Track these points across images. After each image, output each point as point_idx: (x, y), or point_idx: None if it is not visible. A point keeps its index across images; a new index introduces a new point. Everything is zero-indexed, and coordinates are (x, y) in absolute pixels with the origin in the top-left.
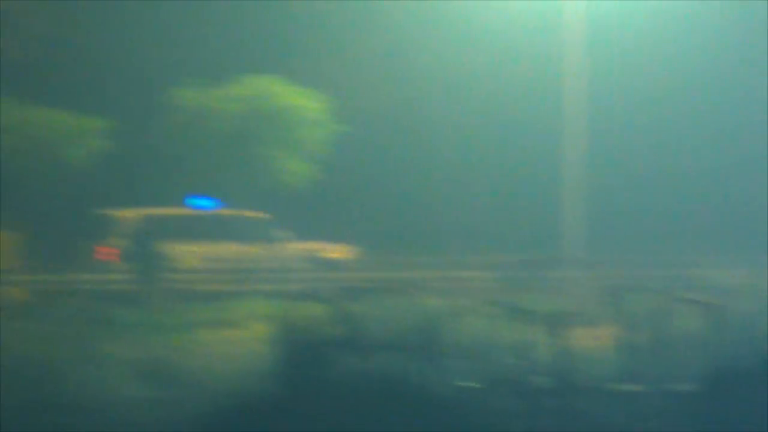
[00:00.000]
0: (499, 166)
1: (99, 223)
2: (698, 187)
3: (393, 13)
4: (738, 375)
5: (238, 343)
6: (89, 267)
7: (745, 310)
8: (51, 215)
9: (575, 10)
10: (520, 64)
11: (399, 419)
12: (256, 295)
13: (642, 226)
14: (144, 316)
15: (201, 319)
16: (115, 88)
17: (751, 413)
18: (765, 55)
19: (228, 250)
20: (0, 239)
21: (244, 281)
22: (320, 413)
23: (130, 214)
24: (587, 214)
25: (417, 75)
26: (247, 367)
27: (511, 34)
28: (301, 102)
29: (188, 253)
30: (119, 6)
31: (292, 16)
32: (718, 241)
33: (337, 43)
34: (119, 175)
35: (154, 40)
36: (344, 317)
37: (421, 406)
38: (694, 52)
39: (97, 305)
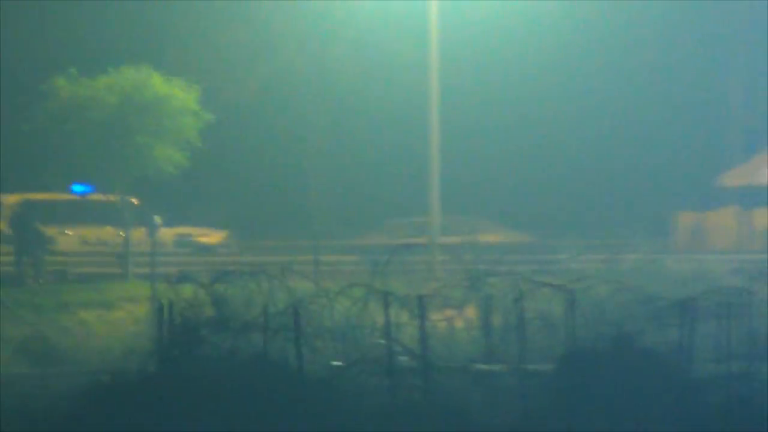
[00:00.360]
0: (362, 156)
1: None
2: (561, 181)
3: (263, 8)
4: (589, 355)
5: (115, 323)
6: None
7: (597, 294)
8: None
9: (436, 9)
10: (383, 60)
11: (268, 395)
12: (132, 277)
13: (506, 216)
14: (24, 296)
15: (79, 300)
16: None
17: (601, 391)
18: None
19: (105, 234)
20: None
21: (121, 264)
22: (193, 390)
23: (9, 199)
24: (448, 204)
25: (285, 68)
26: (124, 345)
27: (376, 31)
28: (174, 92)
29: (67, 236)
30: None
31: (166, 8)
32: (572, 230)
33: (208, 36)
34: None
35: (30, 31)
36: (216, 299)
37: (289, 383)
38: (538, 52)
39: None
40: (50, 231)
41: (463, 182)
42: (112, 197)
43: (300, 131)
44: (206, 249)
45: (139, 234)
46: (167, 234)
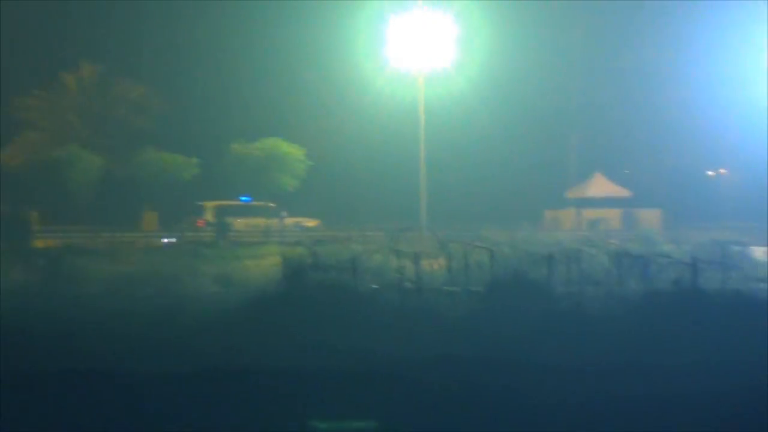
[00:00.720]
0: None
1: (198, 207)
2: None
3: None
4: (503, 283)
5: (264, 266)
6: (194, 229)
7: (504, 252)
8: (178, 203)
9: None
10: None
11: (342, 305)
12: (270, 244)
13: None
14: (218, 252)
15: (244, 254)
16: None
17: (505, 299)
18: None
19: (258, 222)
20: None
21: (266, 237)
22: (303, 301)
23: (210, 204)
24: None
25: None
26: (269, 277)
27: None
28: (291, 150)
29: (239, 223)
30: None
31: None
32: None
33: (313, 107)
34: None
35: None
36: (313, 254)
37: (351, 298)
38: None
39: (195, 247)
40: (230, 220)
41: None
42: (260, 203)
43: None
44: (309, 229)
45: (275, 222)
46: (289, 221)
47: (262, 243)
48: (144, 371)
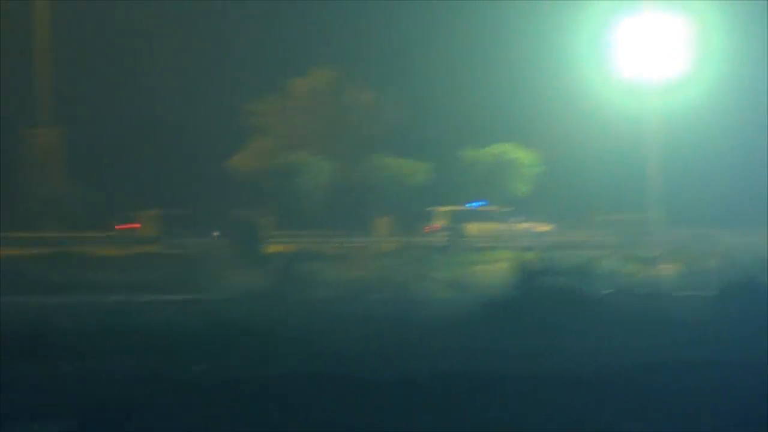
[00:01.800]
0: None
1: (429, 213)
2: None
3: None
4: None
5: (495, 271)
6: (422, 234)
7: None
8: (410, 209)
9: None
10: None
11: (571, 315)
12: (502, 249)
13: None
14: (450, 257)
15: (477, 260)
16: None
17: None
18: None
19: (489, 227)
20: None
21: (497, 242)
22: (537, 307)
23: (442, 209)
24: None
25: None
26: (499, 282)
27: None
28: (521, 155)
29: (471, 228)
30: None
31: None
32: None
33: (544, 115)
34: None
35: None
36: (543, 259)
37: (595, 308)
38: None
39: (427, 252)
40: (463, 224)
41: None
42: (492, 207)
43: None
44: (542, 234)
45: (506, 226)
46: (521, 226)
47: (494, 248)
48: (379, 374)
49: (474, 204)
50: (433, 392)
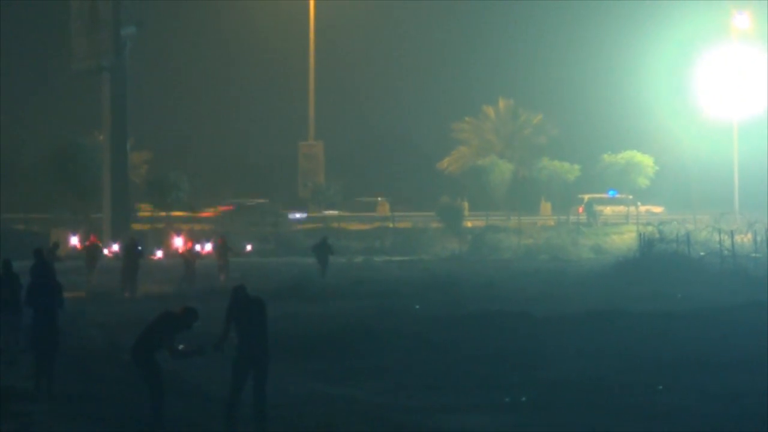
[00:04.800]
0: None
1: (578, 200)
2: None
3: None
4: None
5: (624, 239)
6: (574, 214)
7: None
8: (565, 196)
9: None
10: None
11: (677, 270)
12: (629, 224)
13: None
14: (592, 230)
15: (611, 231)
16: None
17: None
18: None
19: (620, 209)
20: (544, 206)
21: (625, 220)
22: (654, 266)
23: (588, 196)
24: None
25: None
26: (627, 247)
27: None
28: (643, 159)
29: (607, 210)
30: None
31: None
32: None
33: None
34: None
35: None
36: (659, 232)
37: (694, 265)
38: None
39: (577, 226)
40: (601, 208)
41: None
42: (622, 195)
43: None
44: (656, 214)
45: (632, 209)
46: (642, 208)
47: (623, 224)
48: (543, 312)
49: (610, 193)
50: (580, 324)
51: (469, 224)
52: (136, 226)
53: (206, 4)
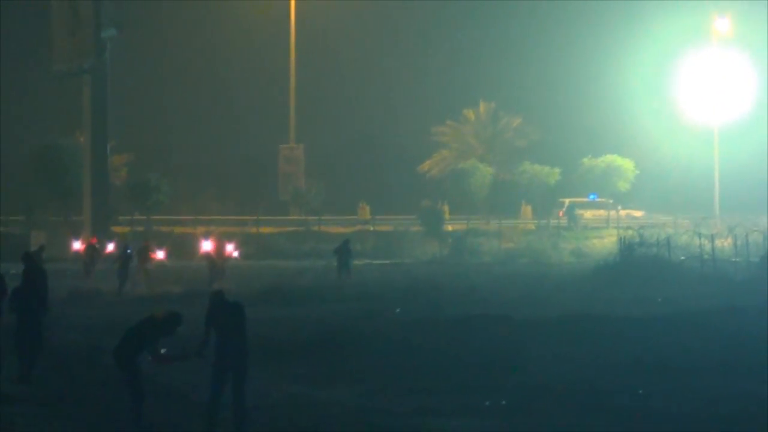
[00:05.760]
0: None
1: (558, 203)
2: None
3: None
4: None
5: (604, 243)
6: (554, 218)
7: None
8: (546, 200)
9: None
10: None
11: (656, 274)
12: (609, 228)
13: None
14: (572, 234)
15: (591, 235)
16: None
17: None
18: None
19: (600, 213)
20: (524, 210)
21: (605, 224)
22: (634, 270)
23: (568, 200)
24: None
25: None
26: (607, 251)
27: None
28: (623, 162)
29: (587, 214)
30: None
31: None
32: None
33: (641, 133)
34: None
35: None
36: (639, 235)
37: (674, 269)
38: None
39: (557, 230)
40: (581, 212)
41: None
42: (602, 199)
43: None
44: (636, 218)
45: (612, 213)
46: (622, 212)
47: (603, 228)
48: (524, 315)
49: (590, 196)
50: (560, 328)
51: (449, 228)
52: (117, 229)
53: (187, 5)
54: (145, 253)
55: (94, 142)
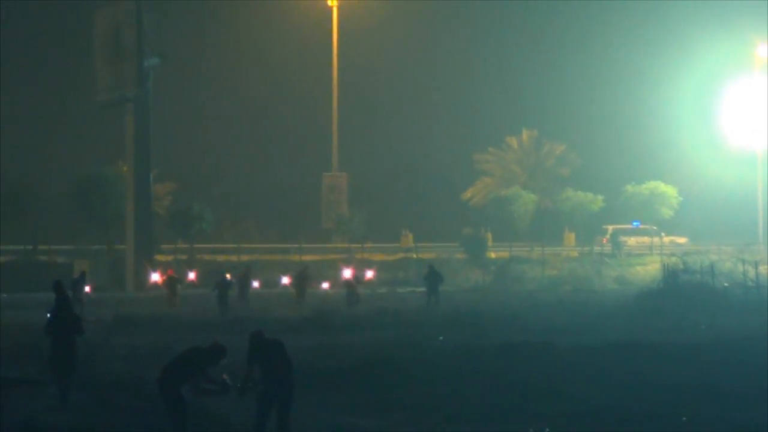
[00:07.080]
0: None
1: (602, 230)
2: None
3: None
4: None
5: (648, 270)
6: (598, 245)
7: None
8: (589, 227)
9: None
10: None
11: (701, 301)
12: (653, 255)
13: None
14: (616, 261)
15: (635, 262)
16: None
17: None
18: None
19: (644, 240)
20: (568, 236)
21: (649, 250)
22: (678, 296)
23: (612, 227)
24: None
25: None
26: (651, 278)
27: None
28: (667, 189)
29: (631, 240)
30: None
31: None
32: None
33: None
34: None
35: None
36: (683, 262)
37: (718, 296)
38: None
39: (601, 257)
40: (625, 239)
41: None
42: (646, 226)
43: None
44: (680, 245)
45: (656, 239)
46: (666, 239)
47: (647, 255)
48: (567, 342)
49: (633, 223)
50: (604, 355)
51: (492, 255)
52: (160, 258)
53: (229, 35)
54: (245, 280)
55: (137, 171)
